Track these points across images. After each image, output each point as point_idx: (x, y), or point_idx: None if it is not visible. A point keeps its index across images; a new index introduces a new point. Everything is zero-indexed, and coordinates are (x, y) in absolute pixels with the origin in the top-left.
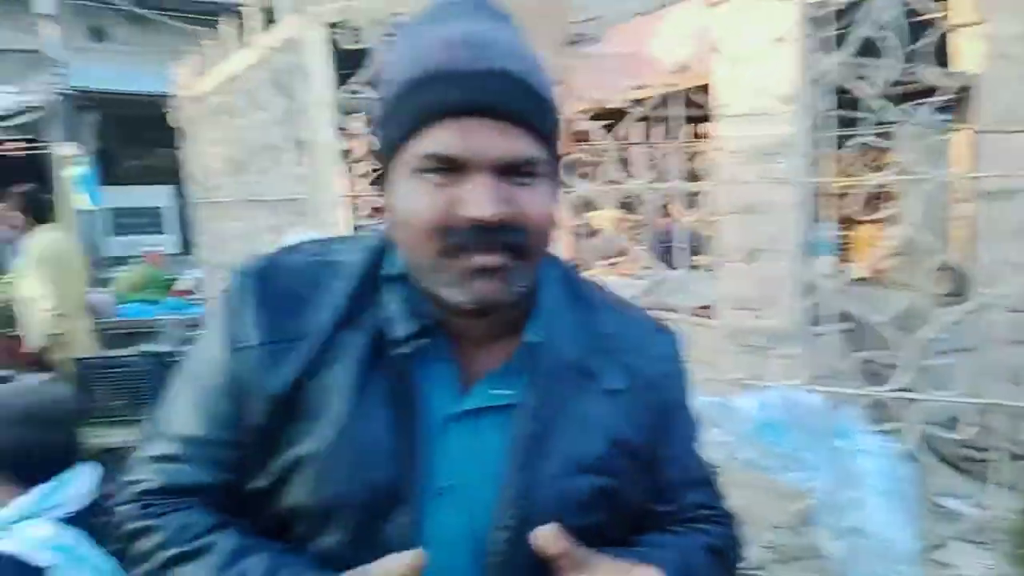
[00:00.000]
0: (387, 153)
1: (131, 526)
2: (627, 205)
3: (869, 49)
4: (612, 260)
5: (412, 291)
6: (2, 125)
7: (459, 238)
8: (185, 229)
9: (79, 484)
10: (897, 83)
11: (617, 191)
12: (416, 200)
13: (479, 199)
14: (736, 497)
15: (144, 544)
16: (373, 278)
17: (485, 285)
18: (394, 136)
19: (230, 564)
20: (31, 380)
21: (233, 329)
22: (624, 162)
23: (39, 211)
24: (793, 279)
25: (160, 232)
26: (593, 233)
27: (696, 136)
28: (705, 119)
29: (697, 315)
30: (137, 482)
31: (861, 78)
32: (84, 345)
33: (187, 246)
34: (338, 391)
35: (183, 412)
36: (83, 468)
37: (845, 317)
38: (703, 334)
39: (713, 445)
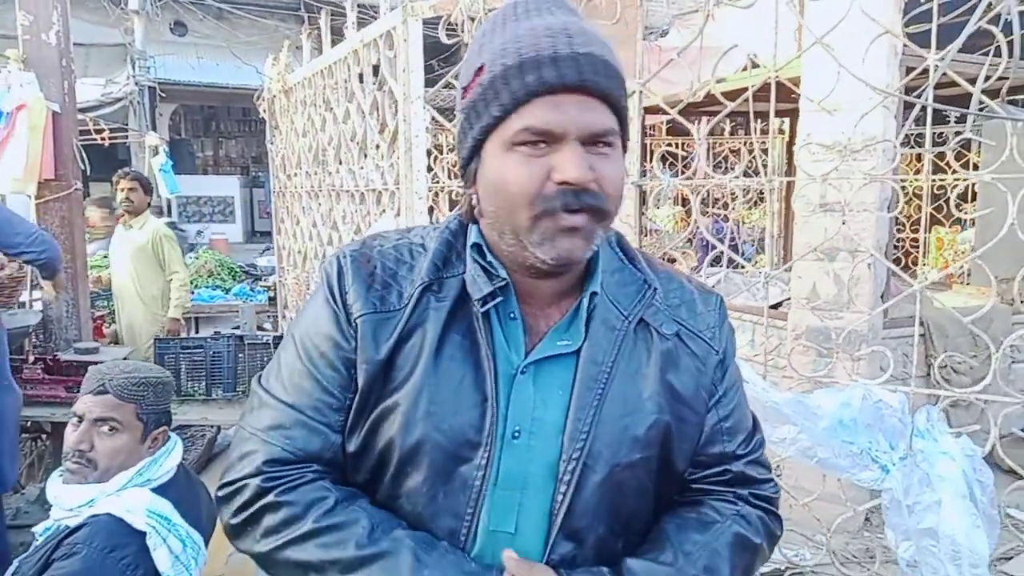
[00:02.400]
0: (479, 135)
1: (257, 503)
2: (686, 202)
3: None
4: (670, 257)
5: (488, 258)
6: (89, 116)
7: (552, 201)
8: (252, 218)
9: (172, 457)
10: (1001, 78)
11: (703, 185)
12: (514, 170)
13: (570, 165)
14: (792, 501)
15: (271, 519)
16: (453, 251)
17: (569, 243)
18: (491, 117)
19: (373, 540)
20: (119, 353)
21: (343, 304)
22: (674, 157)
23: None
24: (872, 280)
25: (228, 220)
26: (653, 231)
27: (774, 132)
28: (781, 114)
29: (756, 313)
30: (253, 453)
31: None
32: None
33: (253, 234)
34: (423, 349)
35: (292, 380)
36: (173, 442)
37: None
38: (772, 333)
39: (787, 442)
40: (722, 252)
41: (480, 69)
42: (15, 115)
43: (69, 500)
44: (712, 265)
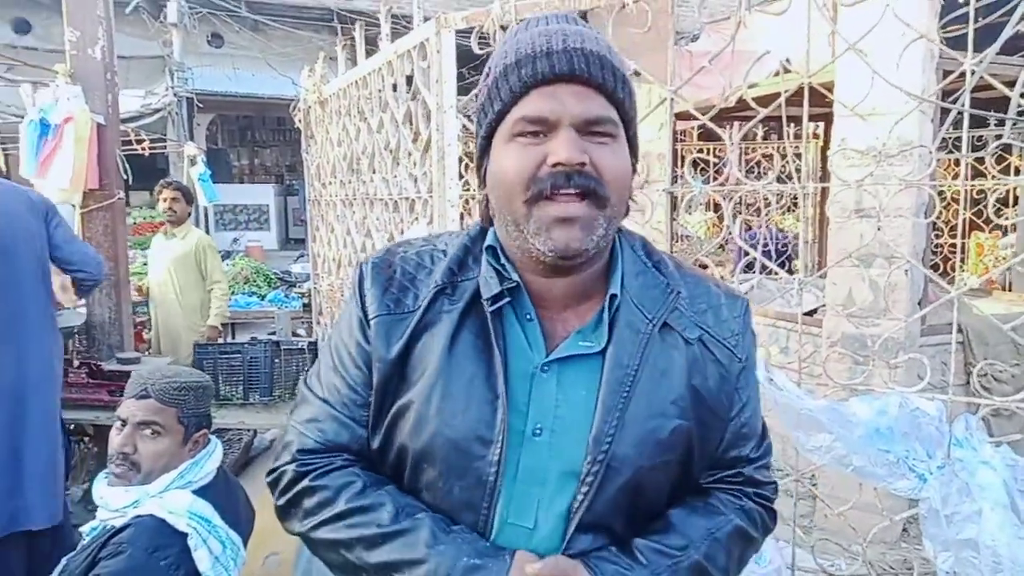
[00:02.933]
0: (488, 133)
1: (295, 487)
2: (719, 208)
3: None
4: (702, 263)
5: (502, 260)
6: (130, 127)
7: (543, 183)
8: (286, 225)
9: (212, 459)
10: None
11: (736, 191)
12: (512, 159)
13: (562, 147)
14: (828, 510)
15: (308, 502)
16: (470, 256)
17: (564, 233)
18: (495, 111)
19: (396, 520)
20: (161, 361)
21: (361, 307)
22: (705, 163)
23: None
24: (909, 286)
25: (263, 228)
26: (684, 236)
27: (808, 137)
28: (814, 119)
29: (791, 320)
30: (291, 443)
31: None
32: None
33: (287, 241)
34: (436, 349)
35: (326, 378)
36: (213, 444)
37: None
38: (807, 340)
39: (822, 450)
40: (755, 258)
41: (487, 74)
42: (62, 127)
43: (115, 501)
44: (746, 271)
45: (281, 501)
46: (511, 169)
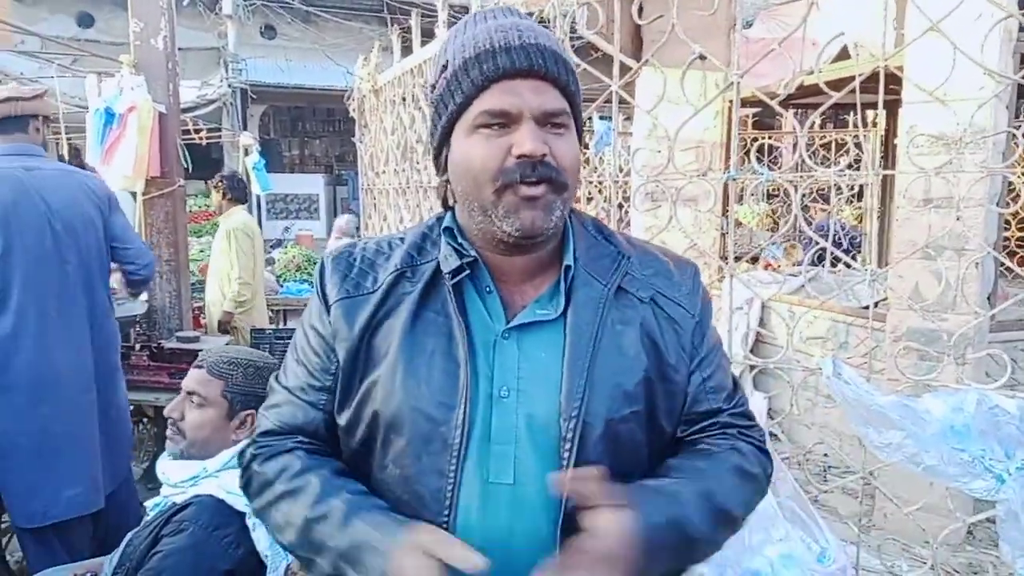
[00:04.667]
0: (447, 123)
1: (248, 469)
2: (773, 197)
3: None
4: (754, 255)
5: (459, 240)
6: (186, 117)
7: (511, 174)
8: (335, 215)
9: None
10: None
11: (802, 179)
12: (477, 150)
13: (526, 139)
14: (888, 511)
15: (255, 484)
16: (428, 241)
17: (530, 213)
18: (456, 104)
19: (318, 503)
20: (219, 341)
21: (323, 296)
22: (760, 151)
23: (237, 193)
24: (980, 280)
25: (312, 217)
26: (737, 225)
27: (869, 124)
28: (867, 107)
29: (850, 314)
30: (257, 427)
31: None
32: (262, 317)
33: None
34: (398, 329)
35: (289, 367)
36: None
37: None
38: (867, 335)
39: (892, 447)
40: (823, 250)
41: (445, 66)
42: (126, 116)
43: (174, 476)
44: (814, 263)
45: (241, 481)
46: (478, 159)
